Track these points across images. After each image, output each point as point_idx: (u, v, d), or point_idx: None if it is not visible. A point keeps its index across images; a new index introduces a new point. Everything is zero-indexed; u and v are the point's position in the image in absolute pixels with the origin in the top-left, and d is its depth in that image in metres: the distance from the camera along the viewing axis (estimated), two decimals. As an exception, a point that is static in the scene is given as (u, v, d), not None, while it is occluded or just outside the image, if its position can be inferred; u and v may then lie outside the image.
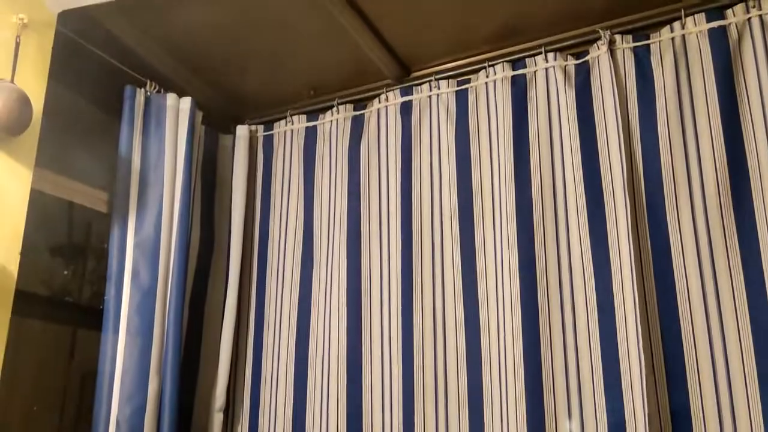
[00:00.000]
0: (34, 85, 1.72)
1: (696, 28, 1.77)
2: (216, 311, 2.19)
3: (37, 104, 1.71)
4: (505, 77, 1.96)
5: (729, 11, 1.74)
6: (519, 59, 1.98)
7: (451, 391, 1.84)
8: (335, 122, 2.25)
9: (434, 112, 2.08)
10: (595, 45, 1.86)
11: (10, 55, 1.68)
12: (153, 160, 2.03)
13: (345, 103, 2.25)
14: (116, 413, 1.81)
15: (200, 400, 2.12)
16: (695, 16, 1.77)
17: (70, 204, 1.99)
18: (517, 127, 1.90)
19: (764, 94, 1.65)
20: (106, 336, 1.85)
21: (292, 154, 2.32)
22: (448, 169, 2.01)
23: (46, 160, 1.77)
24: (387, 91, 2.17)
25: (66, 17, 1.82)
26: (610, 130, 1.78)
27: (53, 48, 1.80)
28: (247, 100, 2.44)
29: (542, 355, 1.71)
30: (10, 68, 1.66)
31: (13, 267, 1.63)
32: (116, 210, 1.95)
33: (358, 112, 2.22)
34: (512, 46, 2.05)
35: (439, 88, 2.09)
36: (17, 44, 1.69)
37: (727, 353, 1.57)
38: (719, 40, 1.72)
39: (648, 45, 1.82)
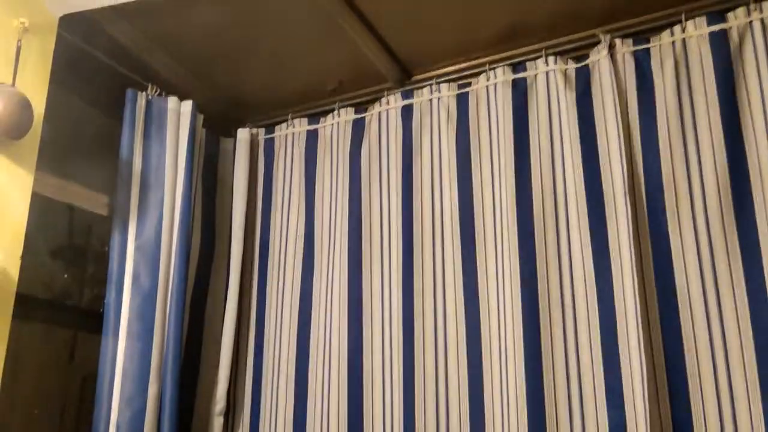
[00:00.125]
0: (35, 88, 1.73)
1: (696, 31, 1.76)
2: (216, 315, 2.19)
3: (38, 108, 1.71)
4: (506, 81, 1.96)
5: (730, 15, 1.73)
6: (519, 63, 1.98)
7: (452, 398, 1.83)
8: (336, 125, 2.25)
9: (435, 116, 2.08)
10: (596, 49, 1.86)
11: (11, 58, 1.68)
12: (154, 163, 2.03)
13: (346, 106, 2.26)
14: (116, 417, 1.81)
15: (200, 403, 2.11)
16: (696, 19, 1.77)
17: (71, 207, 1.99)
18: (517, 130, 1.90)
19: (765, 98, 1.64)
20: (107, 339, 1.85)
21: (293, 157, 2.32)
22: (448, 172, 2.01)
23: (47, 163, 1.77)
24: (388, 95, 2.17)
25: (67, 21, 1.83)
26: (610, 133, 1.77)
27: (54, 51, 1.80)
28: (248, 104, 2.44)
29: (543, 359, 1.71)
30: (11, 72, 1.67)
31: (14, 270, 1.64)
32: (117, 213, 1.95)
33: (359, 116, 2.22)
34: (513, 49, 2.04)
35: (439, 92, 2.09)
36: (18, 48, 1.70)
37: (728, 356, 1.56)
38: (720, 44, 1.72)
39: (648, 49, 1.82)
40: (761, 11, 1.69)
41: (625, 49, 1.84)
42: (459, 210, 1.96)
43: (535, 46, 1.99)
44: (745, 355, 1.54)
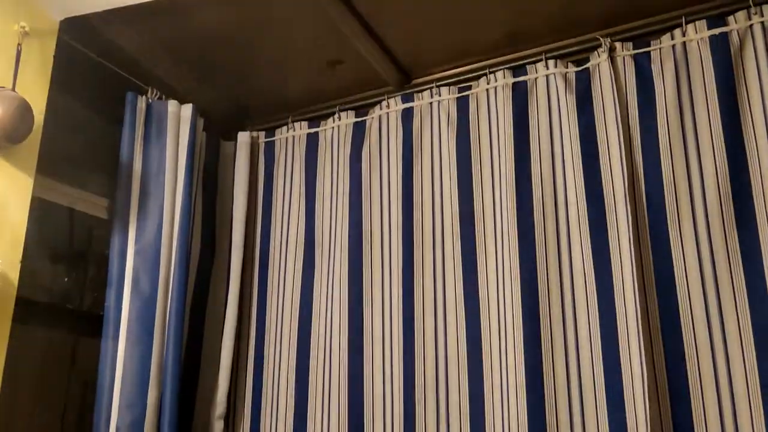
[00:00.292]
0: (36, 92, 1.73)
1: (697, 35, 1.76)
2: (217, 319, 2.18)
3: (39, 112, 1.72)
4: (506, 84, 1.96)
5: (730, 18, 1.73)
6: (520, 66, 1.98)
7: (452, 401, 1.83)
8: (336, 129, 2.25)
9: (435, 119, 2.08)
10: (596, 52, 1.86)
11: (12, 62, 1.68)
12: (154, 166, 2.03)
13: (346, 109, 2.26)
14: (116, 421, 1.80)
15: (201, 407, 2.11)
16: (696, 23, 1.77)
17: (71, 211, 1.99)
18: (517, 133, 1.90)
19: (766, 101, 1.64)
20: (106, 343, 1.85)
21: (293, 160, 2.32)
22: (449, 176, 2.01)
23: (47, 167, 1.77)
24: (388, 98, 2.17)
25: (68, 25, 1.83)
26: (610, 136, 1.78)
27: (55, 55, 1.80)
28: (249, 107, 2.44)
29: (543, 359, 1.71)
30: (12, 76, 1.67)
31: (14, 274, 1.64)
32: (117, 217, 1.95)
33: (359, 119, 2.22)
34: (513, 53, 2.05)
35: (440, 95, 2.09)
36: (18, 52, 1.70)
37: (729, 356, 1.56)
38: (720, 47, 1.72)
39: (648, 52, 1.82)
40: (762, 15, 1.70)
41: (625, 52, 1.84)
42: (459, 213, 1.95)
43: (536, 50, 2.00)
44: (745, 356, 1.55)
